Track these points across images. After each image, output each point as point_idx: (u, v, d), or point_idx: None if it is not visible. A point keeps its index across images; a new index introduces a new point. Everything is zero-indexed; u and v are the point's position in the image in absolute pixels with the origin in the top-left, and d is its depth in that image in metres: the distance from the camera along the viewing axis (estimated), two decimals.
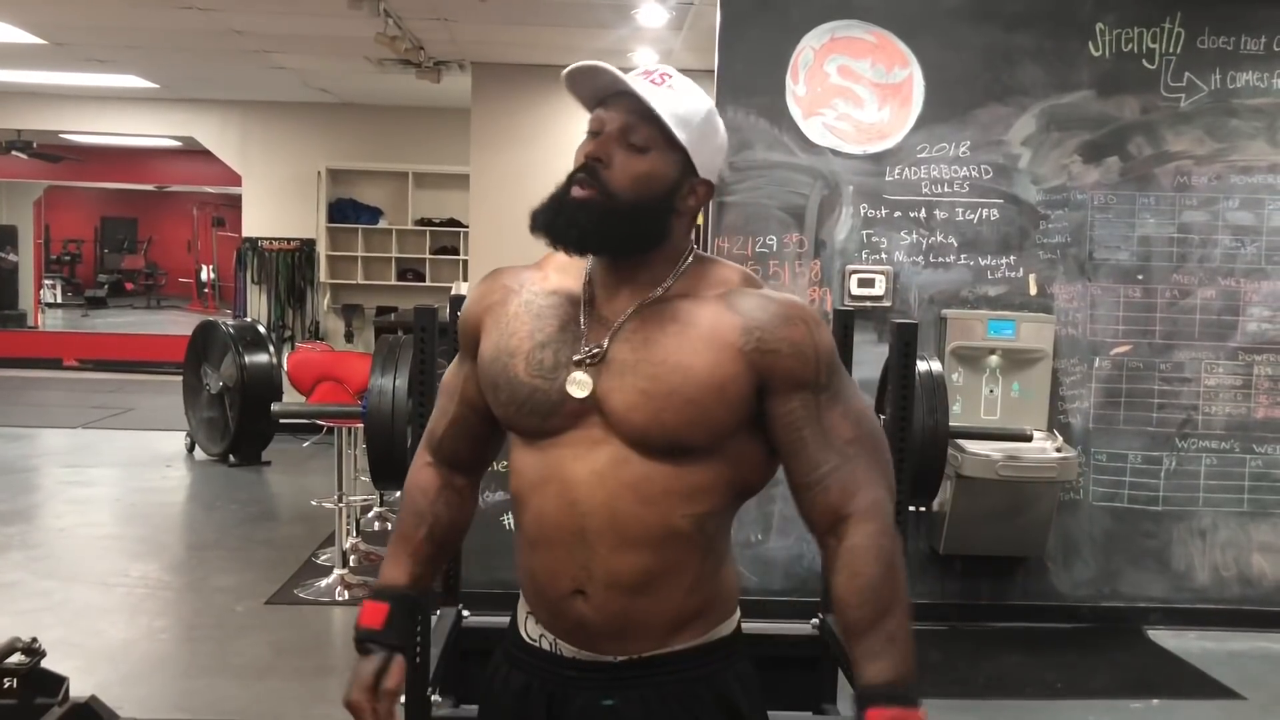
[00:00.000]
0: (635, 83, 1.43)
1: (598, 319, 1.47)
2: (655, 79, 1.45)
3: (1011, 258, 4.54)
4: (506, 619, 1.66)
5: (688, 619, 1.47)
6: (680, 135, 1.43)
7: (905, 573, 1.44)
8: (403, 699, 2.59)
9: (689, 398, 1.40)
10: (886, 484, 1.46)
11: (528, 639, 1.54)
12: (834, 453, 1.43)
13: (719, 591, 1.50)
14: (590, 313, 1.48)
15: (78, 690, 2.69)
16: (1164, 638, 4.56)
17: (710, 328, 1.43)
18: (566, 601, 1.45)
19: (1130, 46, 4.51)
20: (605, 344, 1.44)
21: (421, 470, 1.67)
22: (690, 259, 1.50)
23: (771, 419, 1.44)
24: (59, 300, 19.10)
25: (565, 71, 1.52)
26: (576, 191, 1.46)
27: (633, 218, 1.43)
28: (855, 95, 4.48)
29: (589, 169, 1.45)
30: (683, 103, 1.44)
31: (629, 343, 1.44)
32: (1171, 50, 4.52)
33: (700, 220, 7.43)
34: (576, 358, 1.44)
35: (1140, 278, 4.58)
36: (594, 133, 1.49)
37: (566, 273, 1.54)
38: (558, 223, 1.47)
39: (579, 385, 1.43)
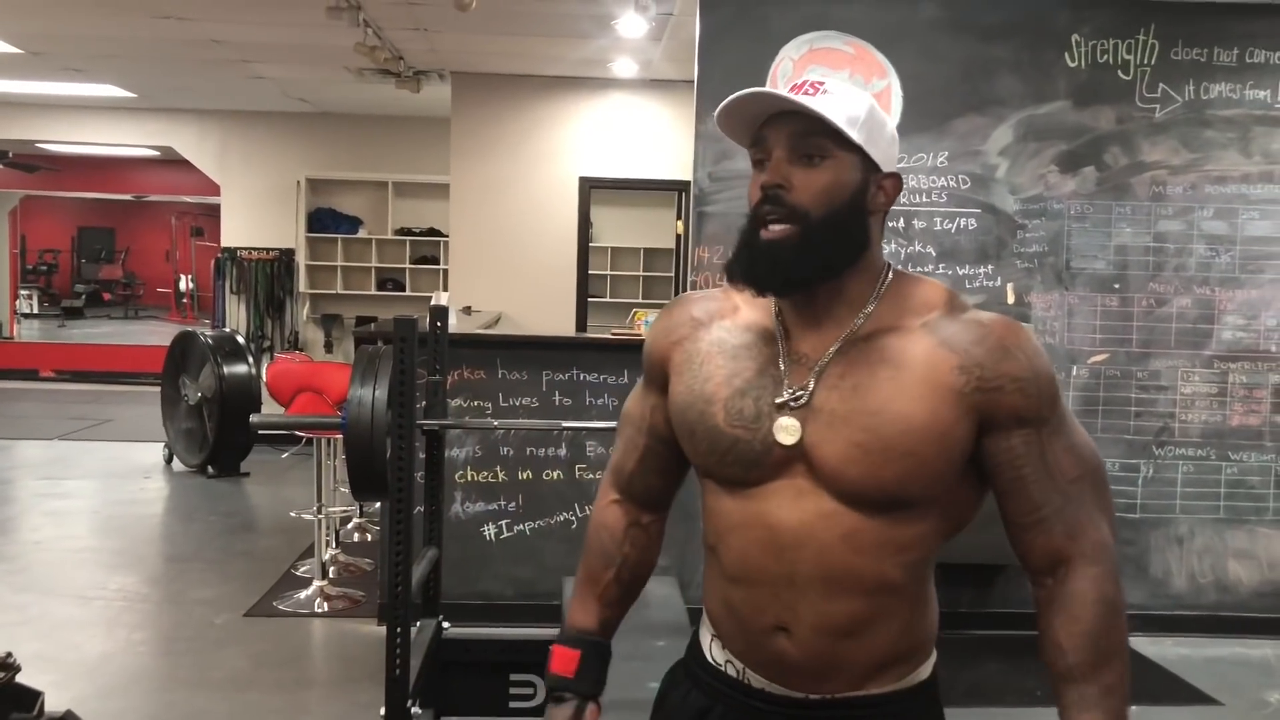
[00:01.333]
0: (793, 98, 1.36)
1: (796, 358, 1.38)
2: (808, 90, 1.37)
3: (989, 267, 4.57)
4: (486, 630, 1.66)
5: (892, 662, 1.41)
6: (853, 134, 1.34)
7: (1125, 618, 1.37)
8: (382, 710, 2.59)
9: (908, 450, 1.31)
10: (1109, 524, 1.38)
11: (712, 662, 1.48)
12: (1057, 492, 1.34)
13: (922, 638, 1.43)
14: (788, 350, 1.39)
15: (54, 705, 2.67)
16: (1142, 644, 4.58)
17: (925, 369, 1.33)
18: (768, 636, 1.39)
19: (1105, 58, 4.56)
20: (810, 387, 1.35)
21: (608, 509, 1.62)
22: (889, 277, 1.40)
23: (990, 456, 1.35)
24: (35, 311, 18.96)
25: (722, 107, 1.42)
26: (766, 232, 1.35)
27: (830, 233, 1.34)
28: None
29: (771, 197, 1.35)
30: (845, 104, 1.35)
31: (838, 389, 1.34)
32: (1146, 62, 4.56)
33: (681, 230, 7.45)
34: (779, 401, 1.36)
35: (1117, 287, 4.62)
36: (760, 161, 1.40)
37: (755, 304, 1.44)
38: (758, 270, 1.36)
39: (786, 432, 1.34)
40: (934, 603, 1.46)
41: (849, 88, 1.40)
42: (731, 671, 1.45)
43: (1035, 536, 1.36)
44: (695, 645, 1.53)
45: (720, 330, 1.44)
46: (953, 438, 1.32)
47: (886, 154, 1.39)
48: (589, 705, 1.52)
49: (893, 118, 4.49)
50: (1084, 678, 1.33)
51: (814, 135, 1.35)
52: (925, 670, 1.45)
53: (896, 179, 1.39)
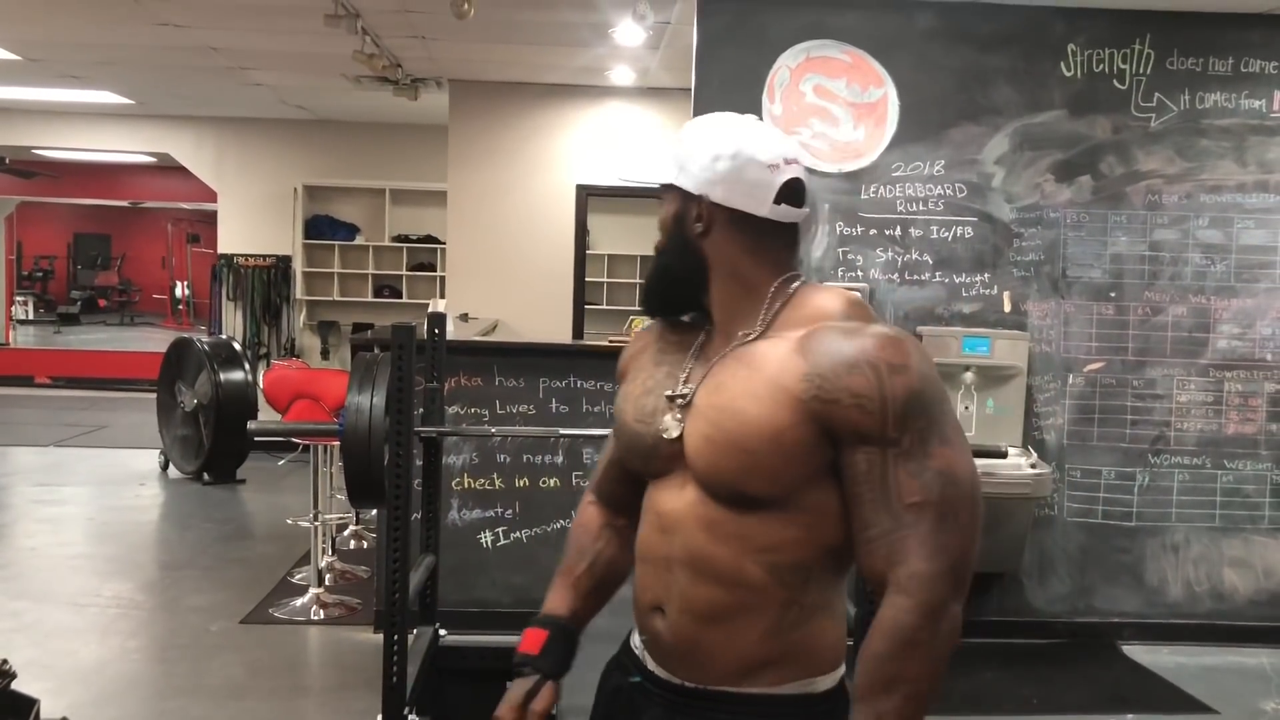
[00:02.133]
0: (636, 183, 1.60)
1: (702, 363, 1.51)
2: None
3: (985, 275, 4.58)
4: (483, 638, 1.68)
5: (761, 663, 1.43)
6: (668, 174, 1.50)
7: (932, 658, 1.32)
8: (379, 718, 2.58)
9: (743, 446, 1.39)
10: (945, 559, 1.32)
11: (632, 644, 1.60)
12: (888, 515, 1.34)
13: (803, 646, 1.44)
14: (698, 357, 1.52)
15: (49, 712, 2.67)
16: (1138, 653, 4.59)
17: (776, 373, 1.40)
18: (649, 615, 1.51)
19: (1101, 67, 4.57)
20: (693, 388, 1.48)
21: (586, 508, 1.76)
22: (790, 291, 1.48)
23: (841, 470, 1.38)
24: (31, 317, 18.93)
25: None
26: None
27: (659, 266, 1.54)
28: (831, 114, 4.52)
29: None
30: (679, 145, 1.51)
31: (707, 387, 1.46)
32: (1142, 71, 4.58)
33: None
34: (667, 394, 1.50)
35: (1113, 295, 4.63)
36: None
37: (702, 323, 1.57)
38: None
39: (668, 429, 1.48)
40: (830, 617, 1.46)
41: (692, 125, 1.54)
42: (638, 652, 1.56)
43: (862, 556, 1.37)
44: (629, 632, 1.64)
45: (661, 343, 1.59)
46: (788, 440, 1.36)
47: (695, 175, 1.48)
48: (547, 682, 1.60)
49: (889, 126, 4.50)
50: (862, 699, 1.33)
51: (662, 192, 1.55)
52: (809, 686, 1.45)
53: (708, 201, 1.47)
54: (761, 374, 1.41)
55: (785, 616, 1.42)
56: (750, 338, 1.46)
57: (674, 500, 1.47)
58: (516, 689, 1.59)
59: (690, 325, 1.58)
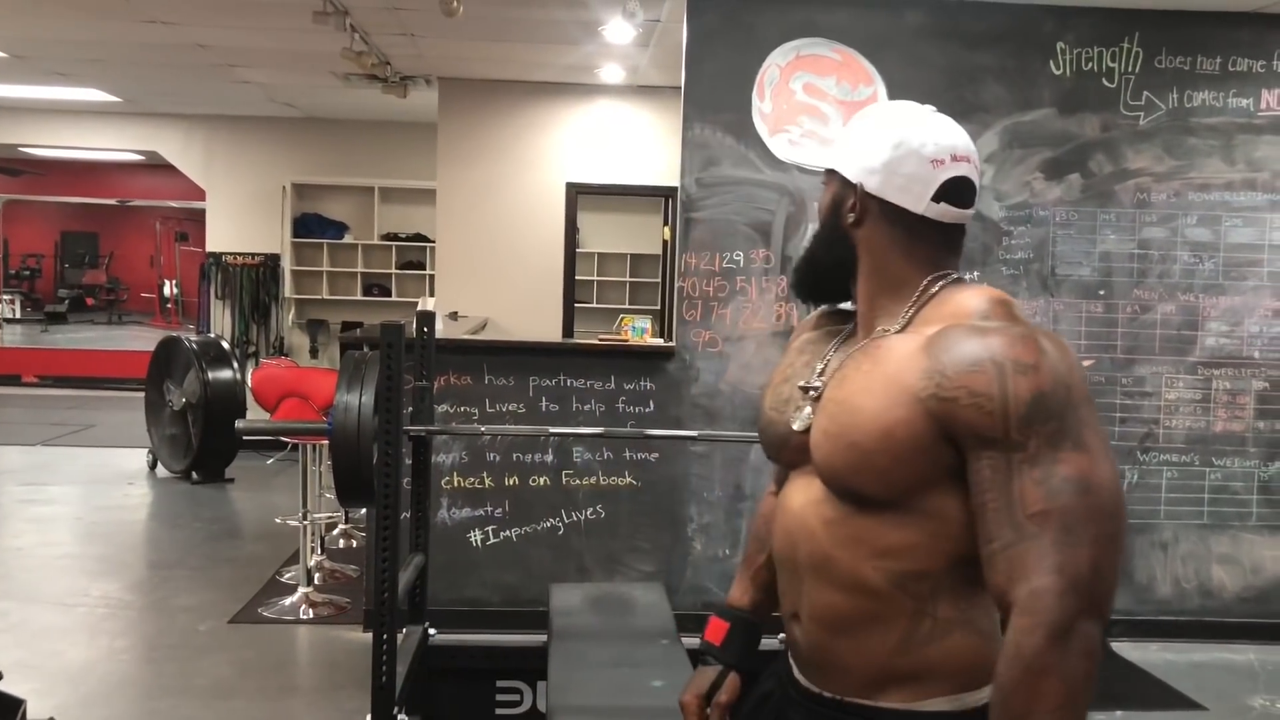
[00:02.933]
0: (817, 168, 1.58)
1: (840, 355, 1.47)
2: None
3: (975, 273, 4.59)
4: (473, 637, 1.68)
5: (894, 678, 1.37)
6: (831, 158, 1.47)
7: (1066, 683, 1.19)
8: (368, 718, 2.58)
9: (854, 441, 1.34)
10: (1070, 572, 1.20)
11: (782, 644, 1.57)
12: (1010, 527, 1.24)
13: (942, 661, 1.36)
14: (839, 349, 1.48)
15: (36, 713, 2.66)
16: (1127, 649, 4.60)
17: (896, 367, 1.33)
18: (789, 622, 1.49)
19: (1090, 65, 4.58)
20: (825, 380, 1.44)
21: (767, 499, 1.72)
22: (935, 288, 1.41)
23: (967, 477, 1.29)
24: (18, 315, 18.83)
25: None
26: None
27: (808, 251, 1.52)
28: (820, 112, 4.52)
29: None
30: (848, 128, 1.48)
31: (835, 379, 1.42)
32: (1130, 69, 4.59)
33: (668, 236, 7.46)
34: (801, 384, 1.47)
35: (1102, 293, 4.64)
36: None
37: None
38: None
39: (800, 419, 1.45)
40: (971, 632, 1.37)
41: (863, 111, 1.50)
42: (789, 659, 1.53)
43: (987, 572, 1.27)
44: None
45: (818, 330, 1.57)
46: (898, 437, 1.30)
47: (855, 161, 1.44)
48: (731, 674, 1.62)
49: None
50: None
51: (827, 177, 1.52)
52: (946, 704, 1.37)
53: (862, 190, 1.42)
54: (882, 369, 1.35)
55: (917, 629, 1.35)
56: (888, 333, 1.40)
57: (800, 496, 1.44)
58: (701, 677, 1.61)
59: (848, 314, 1.54)
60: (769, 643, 2.95)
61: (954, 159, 1.40)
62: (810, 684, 1.45)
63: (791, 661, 1.50)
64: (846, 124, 1.49)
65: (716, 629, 1.65)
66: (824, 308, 1.59)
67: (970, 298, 1.37)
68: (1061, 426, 1.25)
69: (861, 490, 1.35)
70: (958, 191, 1.40)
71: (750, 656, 1.64)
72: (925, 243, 1.42)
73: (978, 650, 1.37)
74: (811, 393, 1.45)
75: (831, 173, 1.47)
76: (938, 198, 1.39)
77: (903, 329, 1.39)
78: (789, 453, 1.47)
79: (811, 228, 4.51)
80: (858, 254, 1.45)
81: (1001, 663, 1.23)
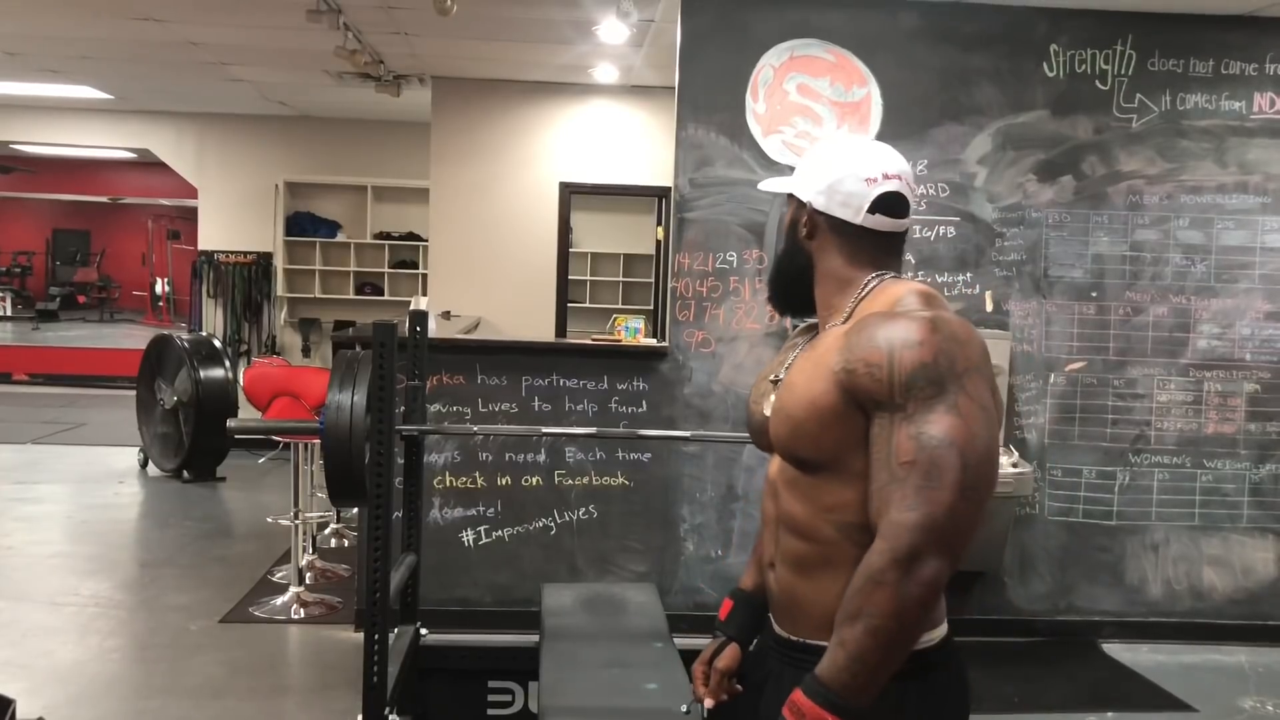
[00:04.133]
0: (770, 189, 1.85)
1: (807, 351, 1.70)
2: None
3: (968, 275, 4.59)
4: (465, 638, 1.70)
5: None
6: (789, 183, 1.73)
7: (899, 600, 1.43)
8: (359, 718, 2.57)
9: (790, 414, 1.61)
10: (923, 510, 1.44)
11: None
12: (886, 471, 1.48)
13: None
14: (806, 346, 1.72)
15: (25, 712, 2.65)
16: (1118, 651, 4.61)
17: (823, 351, 1.60)
18: (768, 570, 1.74)
19: (1083, 68, 4.59)
20: (785, 370, 1.70)
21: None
22: (867, 288, 1.65)
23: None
24: (9, 313, 18.78)
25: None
26: None
27: (774, 265, 1.79)
28: (814, 113, 4.52)
29: None
30: (800, 163, 1.75)
31: (789, 369, 1.69)
32: (1123, 72, 4.60)
33: (662, 236, 7.46)
34: (771, 379, 1.73)
35: (1094, 295, 4.65)
36: None
37: None
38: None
39: (767, 405, 1.70)
40: None
41: (822, 143, 1.79)
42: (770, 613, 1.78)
43: (869, 508, 1.51)
44: None
45: (800, 337, 1.80)
46: (820, 407, 1.55)
47: (807, 183, 1.70)
48: (730, 644, 1.88)
49: (872, 125, 4.51)
50: (835, 629, 1.49)
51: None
52: None
53: (810, 207, 1.69)
54: (815, 353, 1.62)
55: None
56: (830, 327, 1.66)
57: (774, 465, 1.72)
58: (708, 648, 1.90)
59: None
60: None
61: (885, 177, 1.65)
62: (781, 630, 1.70)
63: (770, 614, 1.74)
64: (805, 155, 1.76)
65: (725, 607, 1.93)
66: (809, 322, 1.81)
67: (899, 290, 1.60)
68: (939, 393, 1.47)
69: (800, 454, 1.61)
70: (890, 205, 1.66)
71: (748, 630, 1.89)
72: (866, 249, 1.67)
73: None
74: (776, 382, 1.70)
75: (790, 196, 1.74)
76: (873, 210, 1.65)
77: (845, 321, 1.64)
78: (764, 437, 1.72)
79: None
80: (813, 264, 1.71)
81: (855, 574, 1.48)
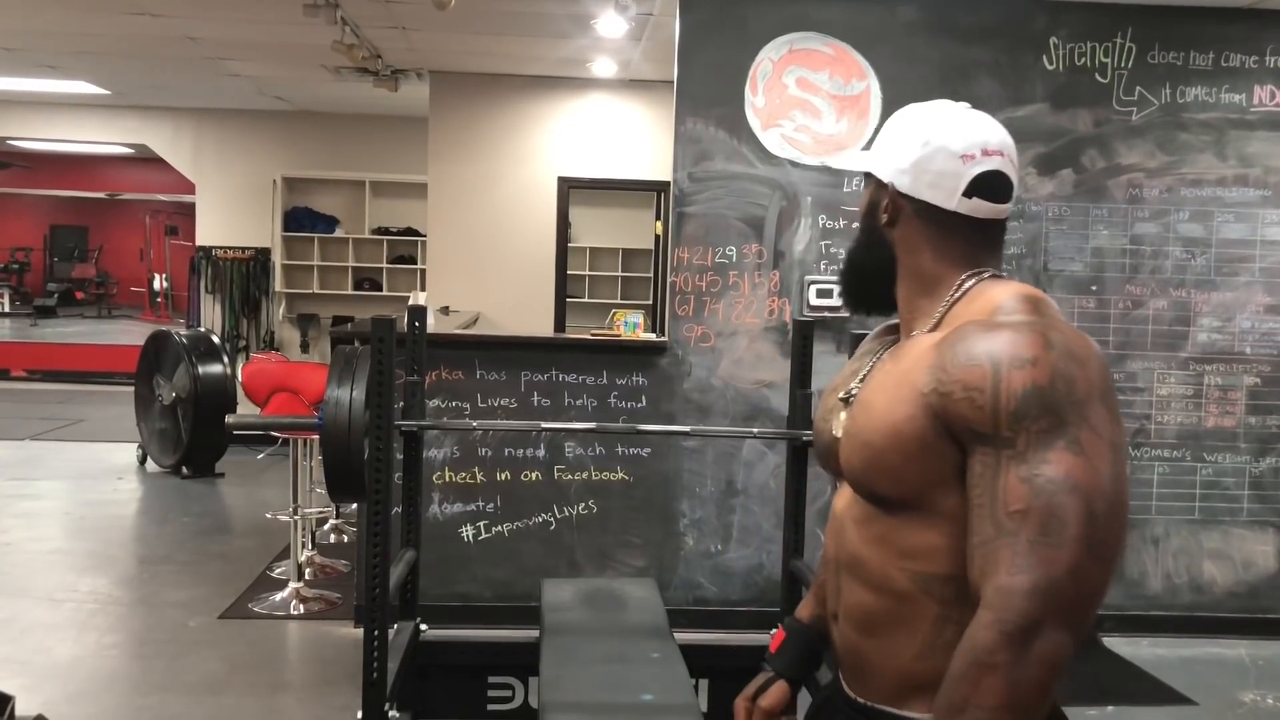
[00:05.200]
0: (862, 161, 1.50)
1: (881, 361, 1.46)
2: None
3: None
4: (464, 633, 1.67)
5: (918, 684, 1.34)
6: (866, 161, 1.45)
7: (1013, 686, 1.17)
8: (359, 714, 2.56)
9: (866, 440, 1.34)
10: (1040, 573, 1.17)
11: None
12: (991, 523, 1.21)
13: None
14: (880, 356, 1.47)
15: (24, 709, 2.64)
16: (1118, 645, 4.61)
17: (909, 366, 1.33)
18: (831, 622, 1.51)
19: (1083, 61, 4.58)
20: (859, 385, 1.45)
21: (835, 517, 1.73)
22: (962, 290, 1.39)
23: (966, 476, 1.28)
24: (7, 309, 18.76)
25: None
26: None
27: (848, 258, 1.52)
28: (813, 107, 4.51)
29: None
30: (879, 137, 1.47)
31: (865, 383, 1.43)
32: (1123, 65, 4.59)
33: (661, 231, 7.45)
34: (841, 395, 1.47)
35: (1094, 288, 4.65)
36: None
37: None
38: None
39: (838, 425, 1.45)
40: None
41: (896, 115, 1.48)
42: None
43: (969, 567, 1.25)
44: None
45: (874, 341, 1.55)
46: (905, 434, 1.29)
47: (888, 162, 1.43)
48: (778, 681, 1.64)
49: (871, 119, 4.50)
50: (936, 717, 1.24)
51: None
52: None
53: (895, 190, 1.42)
54: (900, 368, 1.35)
55: (941, 633, 1.32)
56: (919, 334, 1.39)
57: (842, 499, 1.46)
58: (753, 683, 1.65)
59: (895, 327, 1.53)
60: (755, 638, 2.94)
61: (985, 154, 1.38)
62: (848, 689, 1.46)
63: (838, 669, 1.51)
64: (885, 126, 1.48)
65: (776, 639, 1.68)
66: (886, 323, 1.56)
67: (999, 293, 1.34)
68: (1056, 424, 1.20)
69: (876, 489, 1.35)
70: (990, 186, 1.39)
71: (800, 666, 1.65)
72: (959, 240, 1.40)
73: None
74: (846, 399, 1.45)
75: (868, 176, 1.47)
76: (969, 193, 1.38)
77: (934, 328, 1.37)
78: (833, 460, 1.46)
79: (804, 222, 4.51)
80: (895, 256, 1.44)
81: (956, 652, 1.22)
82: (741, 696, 1.64)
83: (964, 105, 1.44)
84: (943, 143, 1.38)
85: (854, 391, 1.44)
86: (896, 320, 1.52)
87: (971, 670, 1.19)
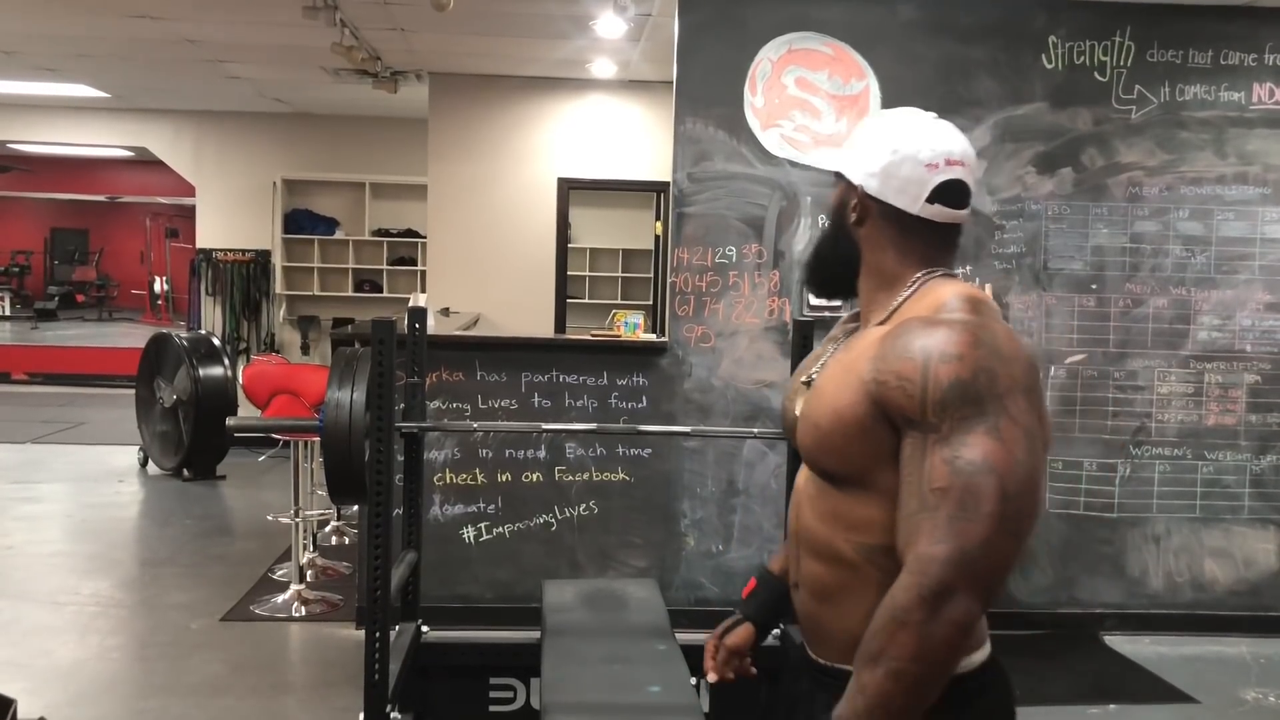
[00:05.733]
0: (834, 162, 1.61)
1: (843, 349, 1.57)
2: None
3: (968, 268, 4.59)
4: (466, 634, 1.68)
5: None
6: (838, 162, 1.57)
7: (923, 641, 1.30)
8: (361, 715, 2.56)
9: (816, 422, 1.48)
10: (955, 544, 1.30)
11: None
12: (915, 498, 1.35)
13: None
14: (841, 344, 1.59)
15: (26, 712, 2.64)
16: (1119, 643, 4.61)
17: (856, 355, 1.47)
18: (793, 590, 1.63)
19: (1082, 59, 4.58)
20: (819, 370, 1.57)
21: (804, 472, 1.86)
22: (913, 287, 1.51)
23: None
24: (7, 313, 18.78)
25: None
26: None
27: (815, 248, 1.66)
28: (812, 107, 4.51)
29: None
30: (856, 133, 1.59)
31: (822, 369, 1.56)
32: (1122, 63, 4.59)
33: (660, 231, 7.45)
34: (803, 380, 1.60)
35: (1094, 287, 4.65)
36: None
37: None
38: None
39: (799, 405, 1.57)
40: None
41: (874, 119, 1.59)
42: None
43: (897, 536, 1.38)
44: None
45: (839, 329, 1.68)
46: (847, 418, 1.43)
47: (858, 164, 1.54)
48: (745, 624, 1.83)
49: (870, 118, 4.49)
50: (855, 668, 1.37)
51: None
52: None
53: (862, 190, 1.54)
54: (849, 357, 1.49)
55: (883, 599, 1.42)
56: (871, 326, 1.52)
57: (801, 475, 1.60)
58: (723, 624, 1.84)
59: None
60: None
61: (948, 163, 1.49)
62: (810, 651, 1.59)
63: (800, 632, 1.64)
64: (855, 129, 1.61)
65: (748, 586, 1.87)
66: (853, 312, 1.68)
67: (944, 292, 1.46)
68: (977, 413, 1.33)
69: (825, 465, 1.50)
70: (952, 194, 1.50)
71: (767, 612, 1.83)
72: (919, 241, 1.52)
73: None
74: (809, 382, 1.57)
75: (839, 175, 1.58)
76: (932, 199, 1.49)
77: (884, 321, 1.50)
78: (795, 439, 1.58)
79: (804, 222, 4.52)
80: (859, 252, 1.57)
81: (878, 610, 1.35)
82: (713, 636, 1.82)
83: (931, 115, 1.54)
84: (910, 151, 1.49)
85: (814, 375, 1.57)
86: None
87: (889, 626, 1.32)
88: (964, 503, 1.31)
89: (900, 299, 1.50)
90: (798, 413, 1.56)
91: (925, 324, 1.40)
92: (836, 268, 1.60)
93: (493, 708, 3.13)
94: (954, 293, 1.45)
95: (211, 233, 9.26)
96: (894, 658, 1.31)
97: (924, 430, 1.35)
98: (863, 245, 1.56)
